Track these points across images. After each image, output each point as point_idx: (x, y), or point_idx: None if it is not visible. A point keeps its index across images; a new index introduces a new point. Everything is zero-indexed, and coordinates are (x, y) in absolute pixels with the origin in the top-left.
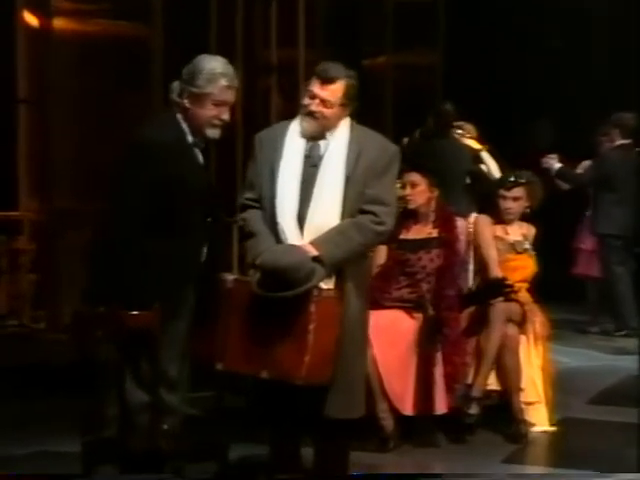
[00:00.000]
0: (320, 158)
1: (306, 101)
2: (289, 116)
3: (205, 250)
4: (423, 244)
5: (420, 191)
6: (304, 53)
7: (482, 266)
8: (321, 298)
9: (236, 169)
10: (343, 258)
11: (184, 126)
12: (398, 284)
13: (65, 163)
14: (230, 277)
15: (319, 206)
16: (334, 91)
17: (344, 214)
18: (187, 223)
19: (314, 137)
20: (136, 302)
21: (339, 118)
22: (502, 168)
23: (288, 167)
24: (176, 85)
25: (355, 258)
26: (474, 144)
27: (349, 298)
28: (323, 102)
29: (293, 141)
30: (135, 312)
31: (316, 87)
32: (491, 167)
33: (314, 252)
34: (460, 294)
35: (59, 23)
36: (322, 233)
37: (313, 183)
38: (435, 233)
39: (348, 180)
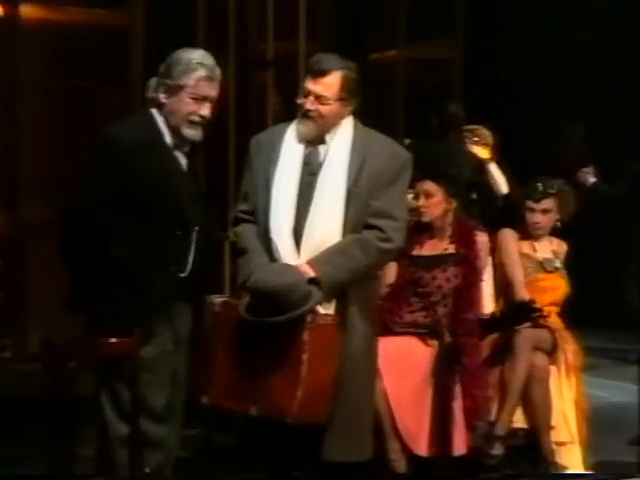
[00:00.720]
0: (319, 165)
1: (301, 100)
2: (288, 117)
3: (190, 264)
4: (438, 261)
5: (435, 202)
6: (305, 46)
7: (506, 287)
8: (316, 325)
9: (228, 177)
10: (344, 280)
11: (160, 125)
12: (410, 307)
13: (35, 168)
14: (218, 299)
15: (318, 220)
16: (329, 85)
17: (346, 229)
18: (167, 235)
19: (312, 141)
20: (113, 327)
21: (338, 116)
22: (510, 184)
23: (284, 176)
24: (153, 82)
25: (359, 280)
26: (482, 152)
27: (352, 325)
28: (318, 98)
29: (290, 146)
30: (113, 339)
31: (309, 82)
32: (497, 180)
33: (311, 273)
34: (481, 319)
35: (27, 11)
36: (320, 252)
37: (311, 194)
38: (452, 249)
39: (351, 190)
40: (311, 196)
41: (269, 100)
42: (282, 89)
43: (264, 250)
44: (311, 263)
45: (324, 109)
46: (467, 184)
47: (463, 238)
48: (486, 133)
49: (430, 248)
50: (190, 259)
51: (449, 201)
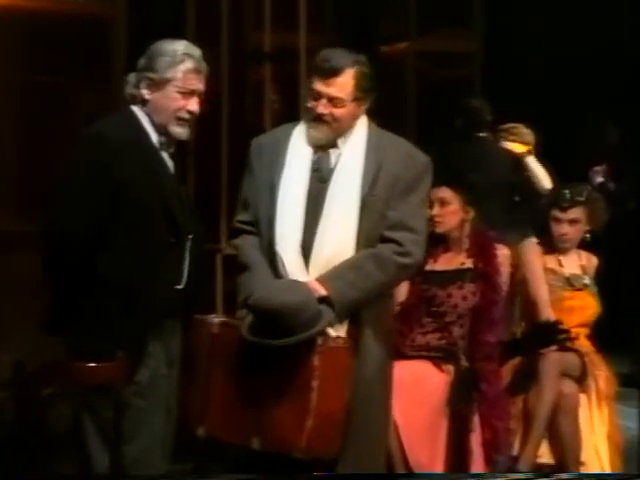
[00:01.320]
0: (330, 172)
1: (310, 103)
2: (287, 117)
3: (185, 275)
4: (454, 277)
5: (451, 211)
6: (306, 37)
7: (530, 306)
8: (327, 348)
9: (220, 183)
10: (358, 299)
11: (144, 123)
12: (423, 328)
13: (1, 172)
14: (216, 319)
15: (329, 233)
16: (342, 85)
17: (360, 243)
18: (159, 244)
19: (323, 145)
20: (94, 351)
21: (354, 117)
22: (553, 177)
23: (291, 183)
24: (132, 77)
25: (373, 299)
26: (517, 147)
27: (366, 348)
28: (331, 101)
29: (297, 150)
30: (93, 364)
31: (319, 84)
32: (538, 174)
33: (321, 291)
34: (502, 341)
35: None
36: (332, 267)
37: (322, 203)
38: (469, 263)
39: (365, 200)
40: (321, 206)
41: (266, 98)
42: (281, 86)
43: (268, 265)
44: (322, 280)
45: (339, 112)
46: (501, 186)
47: (482, 251)
48: (525, 132)
49: (445, 262)
50: (185, 269)
51: (466, 210)
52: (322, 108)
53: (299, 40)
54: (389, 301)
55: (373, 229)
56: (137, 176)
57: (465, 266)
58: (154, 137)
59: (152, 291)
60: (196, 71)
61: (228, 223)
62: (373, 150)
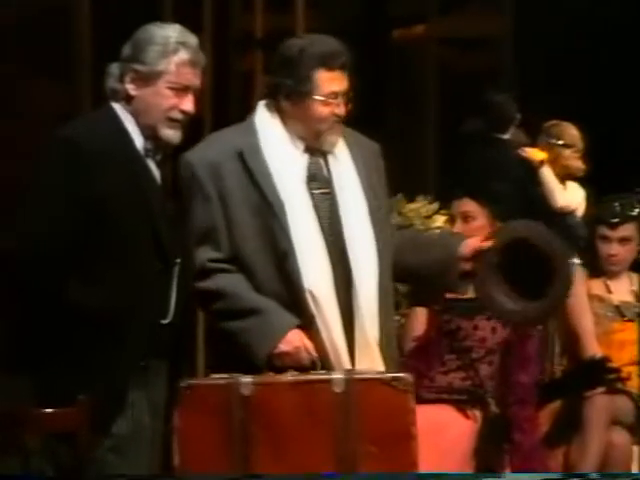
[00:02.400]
0: (328, 180)
1: (327, 110)
2: None
3: (172, 307)
4: (481, 306)
5: (477, 227)
6: (303, 19)
7: (572, 339)
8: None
9: None
10: None
11: (128, 124)
12: (444, 366)
13: None
14: (244, 379)
15: (360, 255)
16: (347, 78)
17: (382, 258)
18: (143, 270)
19: (313, 151)
20: (53, 395)
21: None
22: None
23: (296, 203)
24: (115, 68)
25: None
26: (536, 154)
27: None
28: (344, 96)
29: (283, 160)
30: (52, 410)
31: (334, 82)
32: (551, 189)
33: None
34: (538, 382)
35: None
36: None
37: (337, 221)
38: None
39: (372, 207)
40: (338, 224)
41: (256, 90)
42: None
43: (279, 306)
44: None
45: (348, 106)
46: (520, 199)
47: None
48: (573, 133)
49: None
50: (172, 300)
51: (495, 226)
52: (342, 109)
53: (295, 23)
54: None
55: (386, 238)
56: (117, 189)
57: None
58: (139, 141)
59: (133, 326)
60: (192, 63)
61: None
62: (353, 147)
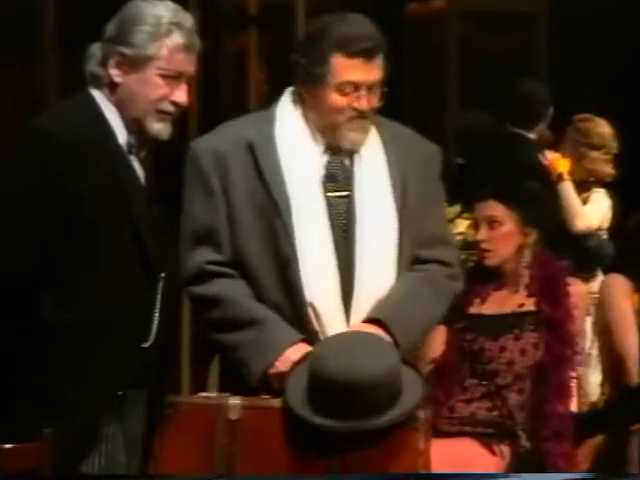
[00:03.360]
0: (349, 181)
1: (344, 101)
2: (277, 98)
3: (155, 328)
4: (510, 324)
5: (505, 234)
6: None
7: (615, 364)
8: (429, 427)
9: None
10: (419, 342)
11: (109, 115)
12: (466, 393)
13: None
14: (233, 399)
15: (369, 264)
16: (380, 66)
17: (400, 269)
18: (123, 285)
19: (335, 148)
20: (14, 427)
21: None
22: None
23: (305, 203)
24: (96, 50)
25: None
26: (558, 163)
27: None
28: (371, 89)
29: (297, 155)
30: (11, 445)
31: (360, 71)
32: (572, 210)
33: (384, 337)
34: (576, 413)
35: None
36: (383, 301)
37: (352, 226)
38: (530, 305)
39: (401, 214)
40: (352, 229)
41: (250, 75)
42: (271, 60)
43: (280, 318)
44: (382, 322)
45: (375, 101)
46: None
47: (548, 288)
48: (604, 131)
49: (497, 304)
50: (155, 320)
51: (526, 232)
52: (365, 103)
53: None
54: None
55: (411, 250)
56: (95, 191)
57: (524, 308)
58: (122, 136)
59: (110, 349)
60: (186, 48)
61: None
62: (391, 145)
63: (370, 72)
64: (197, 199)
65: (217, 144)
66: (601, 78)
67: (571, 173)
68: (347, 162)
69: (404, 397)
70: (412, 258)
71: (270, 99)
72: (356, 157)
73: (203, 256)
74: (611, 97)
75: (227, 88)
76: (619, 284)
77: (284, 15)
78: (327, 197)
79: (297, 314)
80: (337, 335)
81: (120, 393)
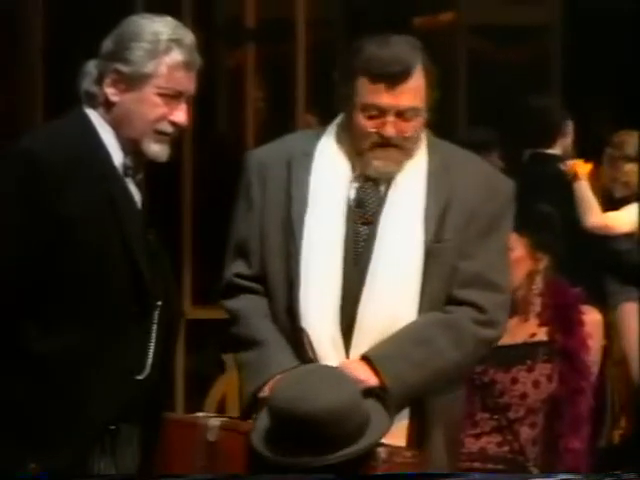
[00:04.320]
0: (379, 209)
1: (369, 125)
2: (277, 121)
3: (150, 359)
4: (521, 355)
5: (515, 260)
6: (305, 7)
7: (633, 395)
8: (394, 465)
9: (181, 216)
10: (423, 387)
11: (104, 136)
12: (476, 427)
13: None
14: (213, 421)
15: (379, 299)
16: (416, 90)
17: (423, 308)
18: (117, 314)
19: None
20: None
21: (421, 133)
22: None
23: (320, 225)
24: (92, 67)
25: (443, 388)
26: (580, 166)
27: (431, 458)
28: (401, 115)
29: (326, 176)
30: None
31: (384, 96)
32: (587, 206)
33: (371, 381)
34: (592, 448)
35: None
36: (386, 340)
37: (367, 255)
38: (543, 335)
39: (431, 247)
40: (366, 258)
41: (248, 93)
42: (270, 76)
43: (285, 342)
44: (372, 361)
45: (410, 128)
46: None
47: (561, 317)
48: (636, 143)
49: (508, 334)
50: (150, 351)
51: (537, 257)
52: (391, 129)
53: (295, 11)
54: (459, 391)
55: (441, 289)
56: (88, 215)
57: (536, 338)
58: (117, 157)
59: (102, 382)
60: (186, 66)
61: (193, 276)
62: (438, 175)
63: (398, 97)
64: (240, 210)
65: (264, 156)
66: (615, 89)
67: (610, 190)
68: (382, 189)
69: (365, 435)
70: (447, 298)
71: (268, 119)
72: (392, 184)
73: (235, 269)
74: (627, 109)
75: (224, 107)
76: (634, 312)
77: (283, 28)
78: (351, 223)
79: (296, 340)
80: (300, 368)
81: (112, 427)
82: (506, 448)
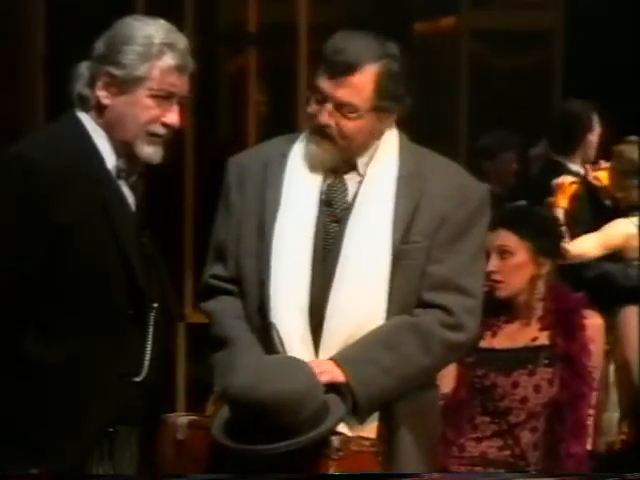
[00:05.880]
0: (348, 207)
1: (312, 107)
2: (278, 125)
3: (147, 362)
4: (523, 359)
5: (517, 265)
6: (306, 12)
7: (635, 400)
8: (349, 453)
9: (182, 220)
10: (391, 391)
11: (97, 139)
12: (477, 432)
13: None
14: (182, 419)
15: (348, 296)
16: (358, 87)
17: (391, 311)
18: (113, 317)
19: (334, 169)
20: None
21: (374, 133)
22: None
23: (290, 223)
24: (84, 69)
25: (412, 390)
26: (602, 176)
27: (401, 457)
28: (340, 109)
29: (298, 175)
30: None
31: (326, 82)
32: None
33: (337, 377)
34: (593, 453)
35: None
36: (353, 344)
37: (336, 252)
38: (544, 339)
39: (399, 248)
40: (335, 256)
41: (250, 97)
42: (271, 80)
43: (256, 341)
44: (337, 360)
45: (350, 125)
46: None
47: (563, 321)
48: (634, 156)
49: (509, 338)
50: (147, 354)
51: (539, 263)
52: (326, 117)
53: (297, 16)
54: (434, 392)
55: (410, 292)
56: (82, 219)
57: (538, 342)
58: (110, 160)
59: (99, 384)
60: (179, 69)
61: (194, 280)
62: (409, 179)
63: (338, 88)
64: (220, 213)
65: (244, 159)
66: (619, 94)
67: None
68: (352, 188)
69: (321, 425)
70: (416, 302)
71: (269, 123)
72: (363, 184)
73: (212, 270)
74: (630, 116)
75: (225, 112)
76: (636, 317)
77: (285, 33)
78: (322, 221)
79: (265, 337)
80: (262, 358)
81: (110, 430)
82: (507, 452)
